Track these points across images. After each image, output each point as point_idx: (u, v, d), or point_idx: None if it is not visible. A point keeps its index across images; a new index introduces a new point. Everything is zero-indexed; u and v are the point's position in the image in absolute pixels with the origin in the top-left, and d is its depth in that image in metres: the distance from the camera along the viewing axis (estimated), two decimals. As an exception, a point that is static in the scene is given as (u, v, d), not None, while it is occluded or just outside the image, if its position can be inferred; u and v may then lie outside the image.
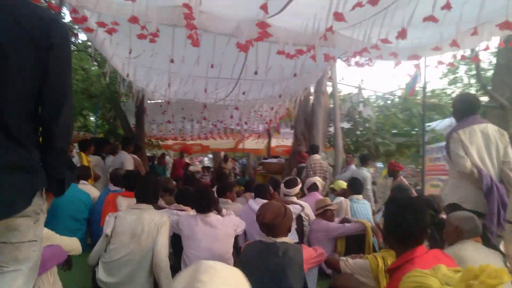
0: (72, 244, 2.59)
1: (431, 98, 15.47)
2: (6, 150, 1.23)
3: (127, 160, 5.67)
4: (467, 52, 4.19)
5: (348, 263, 2.20)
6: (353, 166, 6.87)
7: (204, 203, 2.89)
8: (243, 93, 5.98)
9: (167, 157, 15.57)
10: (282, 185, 4.16)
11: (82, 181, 4.48)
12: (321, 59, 4.58)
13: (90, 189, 4.42)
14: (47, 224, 3.59)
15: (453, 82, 18.38)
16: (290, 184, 4.08)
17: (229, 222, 2.94)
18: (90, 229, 4.18)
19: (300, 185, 4.24)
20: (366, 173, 6.48)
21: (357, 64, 5.04)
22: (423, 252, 1.58)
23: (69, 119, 1.39)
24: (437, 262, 1.46)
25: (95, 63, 8.50)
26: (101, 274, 2.70)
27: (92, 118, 10.65)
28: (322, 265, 2.51)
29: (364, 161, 6.81)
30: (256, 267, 2.21)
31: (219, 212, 3.17)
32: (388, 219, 1.75)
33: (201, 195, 2.90)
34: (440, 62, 3.85)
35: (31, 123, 1.31)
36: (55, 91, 1.32)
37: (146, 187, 2.82)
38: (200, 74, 5.65)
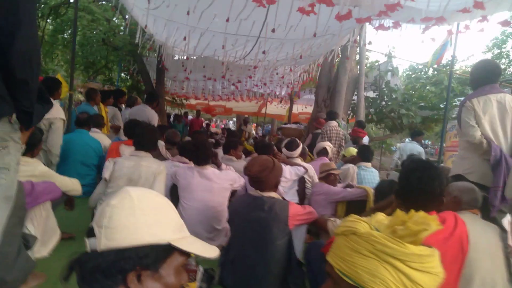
0: (71, 185, 2.67)
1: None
2: None
3: (153, 116, 5.68)
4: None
5: (336, 223, 2.16)
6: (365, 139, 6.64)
7: (201, 156, 2.89)
8: (263, 52, 5.79)
9: (190, 117, 15.73)
10: (283, 148, 4.08)
11: (94, 129, 4.58)
12: (347, 21, 4.32)
13: (101, 137, 4.52)
14: (58, 168, 3.78)
15: (497, 57, 17.20)
16: (291, 146, 3.98)
17: (226, 176, 2.94)
18: (100, 175, 4.32)
19: (301, 147, 4.13)
20: (419, 147, 6.81)
21: (382, 27, 4.74)
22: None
23: (28, 48, 1.31)
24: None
25: (119, 15, 8.47)
26: (97, 214, 2.79)
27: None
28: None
29: (416, 135, 7.10)
30: (242, 218, 2.21)
31: (218, 166, 3.17)
32: (399, 181, 1.71)
33: (198, 148, 2.90)
34: (467, 27, 3.53)
35: None
36: (4, 14, 1.24)
37: (143, 135, 2.85)
38: (218, 29, 5.51)
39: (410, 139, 7.18)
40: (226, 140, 4.24)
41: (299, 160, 3.88)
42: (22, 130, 1.47)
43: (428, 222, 0.82)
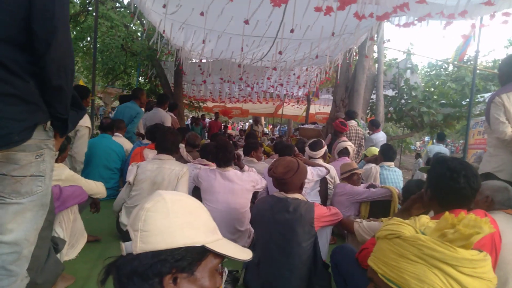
0: (96, 188, 2.71)
1: (493, 68, 14.18)
2: None
3: (166, 118, 5.81)
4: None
5: (362, 225, 2.12)
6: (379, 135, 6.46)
7: (223, 157, 2.89)
8: (279, 53, 5.77)
9: (207, 119, 15.83)
10: (307, 148, 4.06)
11: (116, 133, 4.66)
12: (365, 19, 4.25)
13: (123, 141, 4.60)
14: (82, 172, 3.85)
15: (520, 51, 16.65)
16: (315, 147, 3.96)
17: (248, 177, 2.93)
18: (123, 179, 4.38)
19: (325, 147, 4.10)
20: (445, 149, 7.24)
21: (406, 24, 4.65)
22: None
23: (62, 55, 1.32)
24: None
25: (137, 21, 8.60)
26: (123, 218, 2.84)
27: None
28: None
29: (441, 139, 7.63)
30: (266, 220, 2.19)
31: (241, 168, 3.16)
32: (436, 180, 1.64)
33: (219, 150, 2.90)
34: (492, 16, 3.42)
35: (24, 54, 1.27)
36: (41, 21, 1.25)
37: (164, 138, 2.88)
38: (236, 31, 5.53)
39: (435, 141, 7.30)
40: (246, 142, 4.23)
41: (321, 161, 3.84)
42: (56, 137, 1.49)
43: (480, 225, 0.79)
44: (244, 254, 0.91)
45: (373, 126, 6.47)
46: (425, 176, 3.03)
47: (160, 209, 0.82)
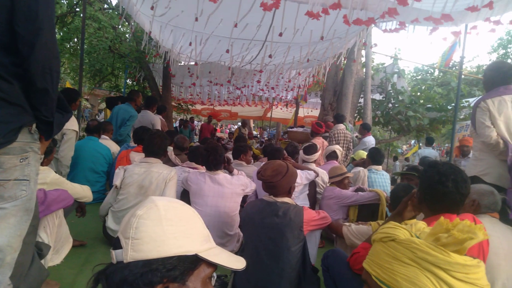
0: (82, 192, 2.66)
1: (478, 74, 14.48)
2: None
3: (156, 120, 5.77)
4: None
5: (351, 228, 2.14)
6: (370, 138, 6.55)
7: (213, 161, 2.87)
8: (270, 56, 5.79)
9: (196, 122, 15.75)
10: (301, 152, 4.07)
11: (103, 136, 4.60)
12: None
13: (110, 144, 4.54)
14: (68, 175, 3.77)
15: (503, 57, 17.05)
16: (309, 151, 3.98)
17: (237, 181, 2.92)
18: (110, 182, 4.32)
19: (319, 152, 4.15)
20: (434, 152, 7.65)
21: (391, 30, 4.71)
22: (450, 219, 1.51)
23: (47, 56, 1.29)
24: None
25: (125, 22, 8.52)
26: (110, 223, 2.79)
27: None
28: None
29: (429, 143, 7.99)
30: (255, 224, 2.18)
31: (230, 172, 3.15)
32: (425, 183, 1.65)
33: (210, 153, 2.88)
34: (475, 27, 3.50)
35: (7, 56, 1.24)
36: (24, 23, 1.22)
37: (152, 142, 2.85)
38: (224, 34, 5.52)
39: (424, 145, 7.73)
40: (235, 145, 4.22)
41: (313, 165, 3.86)
42: (41, 140, 1.46)
43: (474, 231, 0.79)
44: (237, 263, 0.90)
45: (365, 129, 6.54)
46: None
47: (152, 216, 0.79)
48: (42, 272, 2.00)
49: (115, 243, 0.80)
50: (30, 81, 1.29)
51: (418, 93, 9.77)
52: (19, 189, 1.37)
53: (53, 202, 2.18)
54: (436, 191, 1.59)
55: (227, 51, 5.46)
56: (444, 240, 0.82)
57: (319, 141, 5.50)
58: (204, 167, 3.32)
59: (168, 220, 0.80)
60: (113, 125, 4.99)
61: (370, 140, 6.37)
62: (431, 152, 7.45)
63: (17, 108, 1.29)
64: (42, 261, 2.06)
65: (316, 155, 4.07)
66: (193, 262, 0.81)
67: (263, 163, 3.62)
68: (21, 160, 1.35)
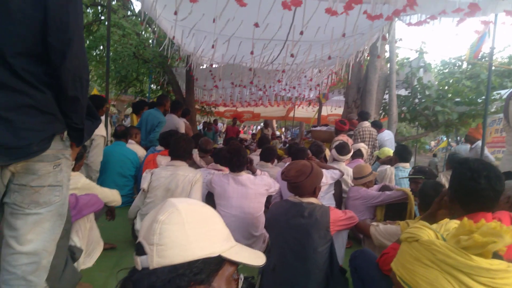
0: (111, 196, 2.73)
1: (510, 64, 13.84)
2: (15, 89, 1.24)
3: (180, 124, 5.86)
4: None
5: (379, 228, 2.09)
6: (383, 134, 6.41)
7: (235, 162, 2.89)
8: (291, 55, 5.76)
9: (220, 124, 15.88)
10: (333, 150, 4.05)
11: (130, 141, 4.71)
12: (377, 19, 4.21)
13: (137, 149, 4.64)
14: (97, 180, 3.89)
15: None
16: (342, 151, 3.97)
17: (261, 181, 2.92)
18: (137, 186, 4.42)
19: (351, 153, 4.11)
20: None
21: (419, 23, 4.59)
22: (485, 217, 1.46)
23: (78, 66, 1.34)
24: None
25: (148, 28, 8.71)
26: (138, 225, 2.85)
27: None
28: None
29: (467, 139, 7.43)
30: (281, 226, 2.17)
31: (253, 172, 3.15)
32: (456, 181, 1.59)
33: (233, 154, 2.89)
34: (509, 13, 3.33)
35: (40, 66, 1.30)
36: (56, 34, 1.27)
37: (178, 145, 2.89)
38: (246, 35, 5.53)
39: (463, 141, 7.40)
40: (265, 148, 4.23)
41: (343, 164, 3.83)
42: (72, 147, 1.51)
43: (500, 233, 0.75)
44: (258, 259, 0.90)
45: (376, 127, 6.39)
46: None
47: (175, 221, 0.80)
48: (75, 275, 2.08)
49: (138, 249, 0.81)
50: (61, 90, 1.34)
51: (446, 87, 9.45)
52: (52, 194, 1.42)
53: (84, 207, 2.25)
54: (468, 188, 1.52)
55: (251, 52, 5.47)
56: (464, 243, 0.78)
57: (343, 138, 5.43)
58: (228, 168, 3.36)
59: (190, 224, 0.81)
60: (142, 130, 5.09)
61: (383, 136, 6.22)
62: (466, 149, 7.15)
63: (50, 117, 1.34)
64: (75, 264, 2.13)
65: (349, 156, 4.04)
66: (218, 263, 0.82)
67: (287, 163, 3.64)
68: (54, 167, 1.41)
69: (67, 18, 1.28)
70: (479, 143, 6.13)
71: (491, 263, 0.77)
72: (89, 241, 2.42)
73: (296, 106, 14.28)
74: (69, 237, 2.13)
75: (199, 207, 0.88)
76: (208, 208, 0.90)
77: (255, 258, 0.90)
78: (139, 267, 0.79)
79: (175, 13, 4.46)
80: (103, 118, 4.54)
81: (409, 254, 0.86)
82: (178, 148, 2.89)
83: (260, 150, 4.95)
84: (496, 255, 0.82)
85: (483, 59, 11.66)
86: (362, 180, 3.43)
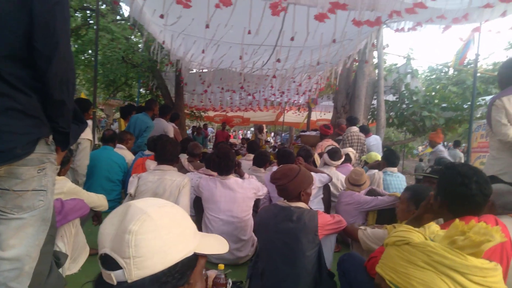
0: (98, 200, 2.69)
1: (494, 71, 14.15)
2: (1, 93, 1.22)
3: (169, 128, 5.85)
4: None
5: (366, 232, 2.10)
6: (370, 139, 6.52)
7: (224, 166, 2.88)
8: (278, 61, 5.79)
9: (210, 129, 15.86)
10: (325, 155, 4.09)
11: (119, 145, 4.66)
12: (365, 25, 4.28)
13: (125, 153, 4.59)
14: (84, 184, 3.83)
15: (519, 53, 16.63)
16: (335, 156, 4.04)
17: (248, 185, 2.92)
18: (125, 190, 4.36)
19: (343, 158, 4.16)
20: (461, 154, 7.80)
21: (399, 29, 4.68)
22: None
23: (64, 70, 1.32)
24: None
25: (137, 32, 8.66)
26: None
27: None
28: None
29: (457, 145, 8.21)
30: (270, 230, 2.17)
31: (241, 176, 3.15)
32: (446, 186, 1.60)
33: (221, 158, 2.89)
34: (493, 27, 3.42)
35: (26, 69, 1.28)
36: (42, 37, 1.25)
37: (164, 149, 2.87)
38: (235, 40, 5.55)
39: (453, 147, 7.75)
40: (258, 153, 4.25)
41: (333, 169, 3.86)
42: (57, 151, 1.49)
43: (491, 233, 0.77)
44: (224, 246, 0.92)
45: (363, 132, 6.46)
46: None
47: (149, 229, 0.75)
48: (60, 281, 2.03)
49: (107, 262, 0.76)
50: (48, 94, 1.32)
51: (433, 93, 9.62)
52: (36, 199, 1.39)
53: (70, 212, 2.22)
54: (458, 194, 1.53)
55: (240, 57, 5.49)
56: (460, 243, 0.79)
57: (328, 143, 5.50)
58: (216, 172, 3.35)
59: (165, 228, 0.78)
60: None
61: (370, 141, 6.32)
62: (456, 154, 7.31)
63: (35, 120, 1.32)
64: (60, 270, 2.09)
65: (340, 161, 4.10)
66: (193, 260, 0.82)
67: (274, 166, 3.65)
68: (39, 171, 1.38)
69: (54, 21, 1.26)
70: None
71: (482, 262, 0.79)
72: (75, 247, 2.38)
73: (286, 111, 14.35)
74: (54, 243, 2.09)
75: (169, 208, 0.84)
76: (176, 207, 0.87)
77: (220, 245, 0.91)
78: (114, 282, 0.75)
79: (161, 16, 4.46)
80: (90, 122, 4.50)
81: (400, 258, 0.86)
82: (165, 152, 2.87)
83: (250, 155, 4.95)
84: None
85: (469, 66, 11.90)
86: (360, 188, 3.46)
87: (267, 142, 14.76)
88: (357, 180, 3.48)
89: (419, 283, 0.80)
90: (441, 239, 0.85)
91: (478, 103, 8.01)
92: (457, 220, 0.85)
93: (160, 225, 0.77)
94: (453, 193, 1.55)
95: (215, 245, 0.89)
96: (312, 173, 3.38)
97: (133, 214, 0.77)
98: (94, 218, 2.77)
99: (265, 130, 17.09)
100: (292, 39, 4.86)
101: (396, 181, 3.95)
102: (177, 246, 0.78)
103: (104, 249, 0.77)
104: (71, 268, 2.39)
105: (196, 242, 0.84)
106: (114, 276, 0.74)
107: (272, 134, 22.68)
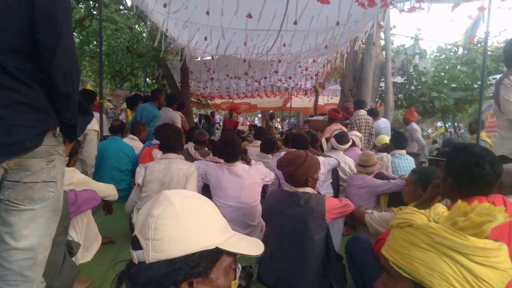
0: (108, 190, 2.72)
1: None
2: (5, 87, 1.24)
3: (176, 117, 5.87)
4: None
5: (373, 215, 2.10)
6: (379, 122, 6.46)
7: (230, 153, 2.89)
8: (284, 45, 5.73)
9: (218, 116, 15.86)
10: (332, 139, 4.07)
11: (131, 136, 4.71)
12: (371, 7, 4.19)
13: (136, 144, 4.63)
14: (94, 175, 3.89)
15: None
16: (342, 140, 4.01)
17: (256, 171, 2.93)
18: (134, 180, 4.42)
19: (350, 142, 4.14)
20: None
21: (412, 9, 4.57)
22: (480, 201, 1.48)
23: (68, 61, 1.33)
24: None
25: (141, 22, 8.63)
26: (136, 219, 2.85)
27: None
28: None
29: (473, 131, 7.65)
30: (278, 215, 2.19)
31: (247, 163, 3.16)
32: (460, 168, 1.59)
33: (226, 145, 2.89)
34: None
35: (30, 62, 1.28)
36: (44, 30, 1.25)
37: (167, 138, 2.88)
38: (239, 26, 5.49)
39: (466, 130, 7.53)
40: (265, 139, 4.25)
41: (340, 153, 3.86)
42: (65, 143, 1.51)
43: (494, 213, 0.76)
44: (256, 248, 0.91)
45: (372, 115, 6.40)
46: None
47: (170, 215, 0.79)
48: (74, 269, 2.09)
49: (134, 243, 0.81)
50: (53, 86, 1.33)
51: (442, 73, 9.45)
52: (47, 190, 1.42)
53: (83, 203, 2.25)
54: (473, 174, 1.52)
55: (245, 43, 5.43)
56: (461, 224, 0.79)
57: (336, 127, 5.46)
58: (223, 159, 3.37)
59: (186, 217, 0.80)
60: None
61: (379, 124, 6.27)
62: (466, 138, 7.25)
63: (42, 113, 1.34)
64: (73, 259, 2.14)
65: (348, 145, 4.07)
66: (215, 255, 0.82)
67: (283, 153, 3.65)
68: (48, 163, 1.41)
69: (55, 13, 1.26)
70: (413, 124, 6.22)
71: (485, 242, 0.79)
72: (87, 236, 2.42)
73: (293, 97, 14.25)
74: (67, 234, 2.14)
75: (194, 200, 0.86)
76: (204, 200, 0.89)
77: (253, 247, 0.90)
78: (136, 261, 0.79)
79: (165, 5, 4.43)
80: (97, 114, 4.53)
81: (403, 240, 0.87)
82: (168, 140, 2.88)
83: (257, 141, 4.95)
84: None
85: (479, 44, 11.64)
86: (369, 169, 3.43)
87: (275, 128, 14.74)
88: (365, 160, 3.45)
89: (420, 264, 0.81)
90: (444, 221, 0.84)
91: (489, 82, 7.85)
92: (459, 201, 0.84)
93: (181, 213, 0.80)
94: (467, 174, 1.54)
95: (245, 246, 0.88)
96: (321, 157, 3.40)
97: (159, 200, 0.82)
98: (104, 208, 2.81)
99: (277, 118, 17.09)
100: (295, 23, 4.79)
101: (405, 164, 3.93)
102: (196, 236, 0.80)
103: (136, 231, 0.82)
104: (84, 257, 2.44)
105: (223, 238, 0.85)
106: (136, 255, 0.79)
107: (279, 120, 22.61)
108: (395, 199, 3.20)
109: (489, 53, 10.05)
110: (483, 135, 5.32)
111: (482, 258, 0.77)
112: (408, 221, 0.87)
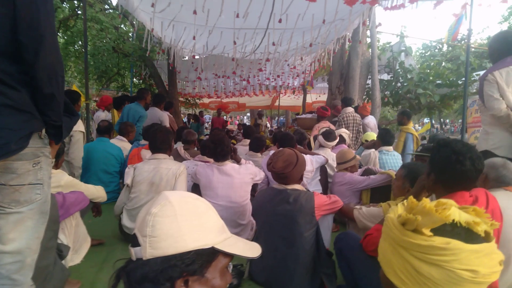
0: (96, 192, 2.70)
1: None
2: None
3: (164, 117, 5.83)
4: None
5: (362, 211, 2.14)
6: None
7: (219, 152, 2.89)
8: (273, 44, 5.74)
9: (207, 116, 15.79)
10: (320, 137, 4.10)
11: (119, 137, 4.66)
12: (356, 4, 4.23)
13: (125, 145, 4.58)
14: (81, 177, 3.84)
15: (514, 27, 16.51)
16: (329, 137, 4.04)
17: (245, 170, 2.93)
18: (123, 181, 4.38)
19: (337, 140, 4.18)
20: None
21: (395, 7, 4.63)
22: (463, 195, 1.58)
23: (51, 62, 1.32)
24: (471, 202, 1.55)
25: (127, 21, 8.54)
26: (125, 220, 2.85)
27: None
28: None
29: None
30: (267, 213, 2.20)
31: (237, 162, 3.16)
32: (441, 164, 1.63)
33: (216, 144, 2.89)
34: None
35: (14, 64, 1.27)
36: (27, 31, 1.24)
37: (155, 138, 2.87)
38: (226, 25, 5.48)
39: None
40: (254, 138, 4.26)
41: (328, 151, 3.89)
42: (51, 144, 1.50)
43: (429, 212, 0.79)
44: (253, 251, 0.92)
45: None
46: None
47: (167, 213, 0.81)
48: (64, 272, 2.07)
49: (133, 240, 0.83)
50: (37, 88, 1.31)
51: (427, 70, 9.60)
52: (33, 193, 1.41)
53: (71, 205, 2.23)
54: (454, 170, 1.57)
55: (234, 42, 5.43)
56: (399, 219, 0.85)
57: (325, 125, 5.50)
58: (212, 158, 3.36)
59: (183, 216, 0.82)
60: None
61: (369, 121, 6.35)
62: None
63: (27, 115, 1.32)
64: (63, 262, 2.12)
65: (335, 142, 4.11)
66: (210, 254, 0.83)
67: (272, 151, 3.66)
68: (34, 165, 1.39)
69: (38, 14, 1.24)
70: (368, 117, 6.37)
71: (426, 239, 0.80)
72: (76, 238, 2.40)
73: (281, 95, 14.29)
74: (57, 238, 2.12)
75: (192, 200, 0.89)
76: (202, 201, 0.91)
77: (250, 249, 0.91)
78: (133, 258, 0.81)
79: (152, 5, 4.40)
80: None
81: (382, 233, 0.91)
82: (156, 140, 2.87)
83: (246, 140, 4.96)
84: (479, 237, 0.83)
85: (462, 41, 11.85)
86: (345, 165, 3.47)
87: (265, 127, 14.75)
88: (339, 157, 3.50)
89: (381, 252, 0.88)
90: (398, 215, 0.89)
91: (472, 78, 8.01)
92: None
93: (178, 212, 0.82)
94: (449, 170, 1.58)
95: (241, 247, 0.89)
96: (308, 155, 3.42)
97: (158, 199, 0.85)
98: (93, 210, 2.79)
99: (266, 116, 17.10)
100: (280, 21, 4.82)
101: (392, 160, 3.99)
102: (192, 235, 0.81)
103: (135, 229, 0.85)
104: (73, 259, 2.41)
105: (220, 239, 0.86)
106: (133, 252, 0.81)
107: (268, 118, 22.64)
108: (377, 194, 3.25)
109: (473, 49, 10.23)
110: (409, 127, 5.47)
111: (423, 255, 0.79)
112: (385, 216, 0.92)
